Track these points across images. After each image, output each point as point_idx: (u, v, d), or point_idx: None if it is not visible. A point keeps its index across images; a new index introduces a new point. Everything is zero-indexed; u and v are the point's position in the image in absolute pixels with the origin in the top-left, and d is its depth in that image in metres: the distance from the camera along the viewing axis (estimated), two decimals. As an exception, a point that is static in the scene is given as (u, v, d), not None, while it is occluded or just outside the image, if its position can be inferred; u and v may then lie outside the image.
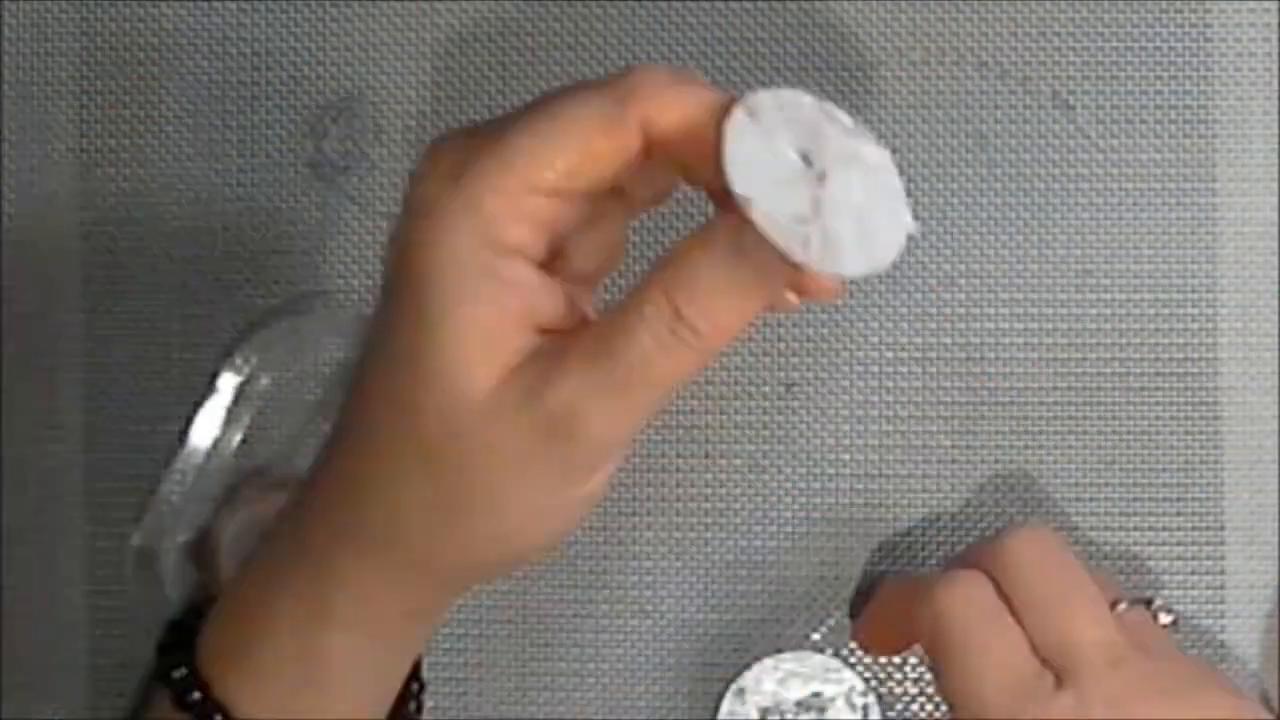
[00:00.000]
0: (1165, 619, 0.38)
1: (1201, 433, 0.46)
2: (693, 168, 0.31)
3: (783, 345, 0.46)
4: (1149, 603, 0.38)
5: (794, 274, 0.30)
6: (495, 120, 0.31)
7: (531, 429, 0.30)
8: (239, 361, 0.46)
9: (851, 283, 0.46)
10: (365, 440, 0.32)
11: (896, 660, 0.46)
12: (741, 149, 0.29)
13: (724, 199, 0.29)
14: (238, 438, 0.46)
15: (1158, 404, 0.46)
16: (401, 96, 0.47)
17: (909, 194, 0.30)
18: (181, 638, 0.35)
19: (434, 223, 0.30)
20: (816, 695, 0.45)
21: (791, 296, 0.31)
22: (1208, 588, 0.46)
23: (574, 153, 0.30)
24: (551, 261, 0.31)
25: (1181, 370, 0.46)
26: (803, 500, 0.46)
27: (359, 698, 0.34)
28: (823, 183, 0.29)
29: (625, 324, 0.29)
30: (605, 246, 0.33)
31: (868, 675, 0.46)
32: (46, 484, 0.47)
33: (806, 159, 0.29)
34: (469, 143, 0.30)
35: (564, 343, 0.30)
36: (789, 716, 0.45)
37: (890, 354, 0.46)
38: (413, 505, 0.31)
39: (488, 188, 0.29)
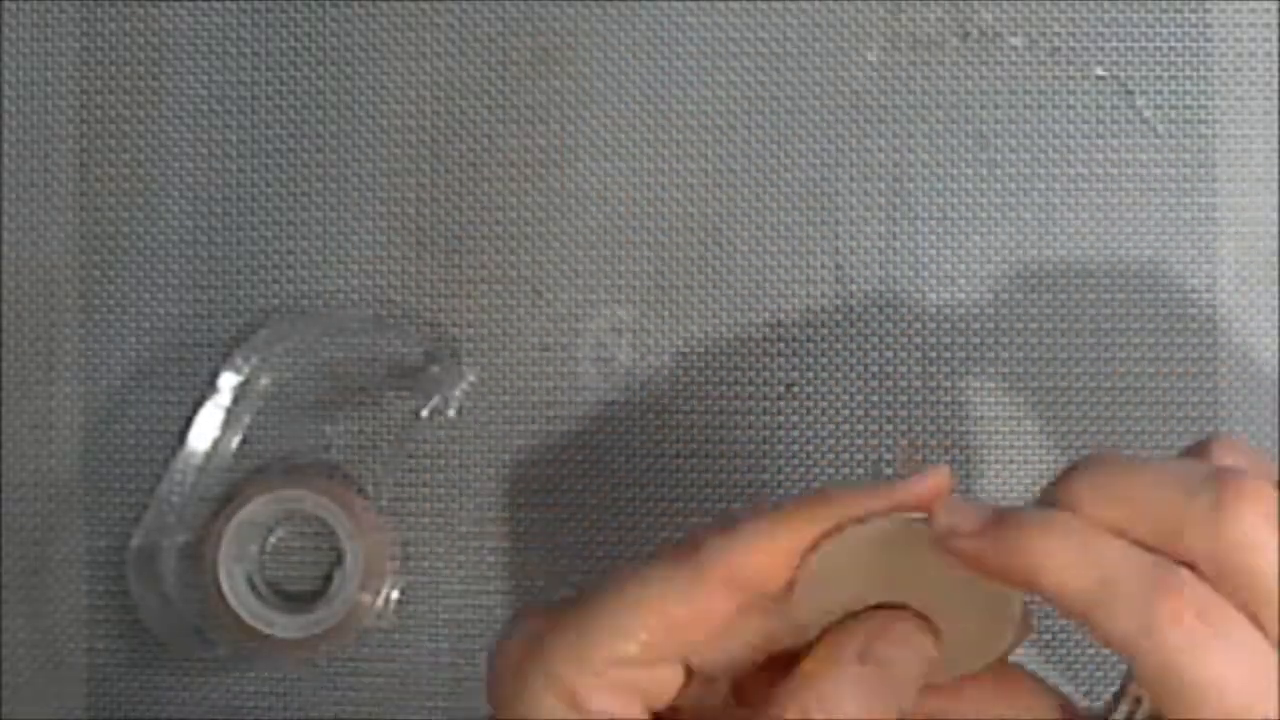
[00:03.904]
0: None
1: (1201, 432, 0.46)
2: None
3: (782, 345, 0.46)
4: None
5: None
6: (580, 593, 0.32)
7: None
8: (239, 361, 0.46)
9: (851, 283, 0.47)
10: None
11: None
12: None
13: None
14: (238, 438, 0.46)
15: (1157, 404, 0.46)
16: (401, 96, 0.47)
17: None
18: None
19: (518, 692, 0.31)
20: None
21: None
22: (1208, 588, 0.46)
23: (655, 626, 0.30)
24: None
25: (1181, 370, 0.46)
26: (803, 500, 0.46)
27: None
28: None
29: None
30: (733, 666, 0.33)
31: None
32: (46, 484, 0.47)
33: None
34: (551, 612, 0.31)
35: None
36: None
37: (890, 354, 0.46)
38: None
39: (568, 659, 0.30)
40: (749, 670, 0.33)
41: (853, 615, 0.31)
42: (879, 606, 0.32)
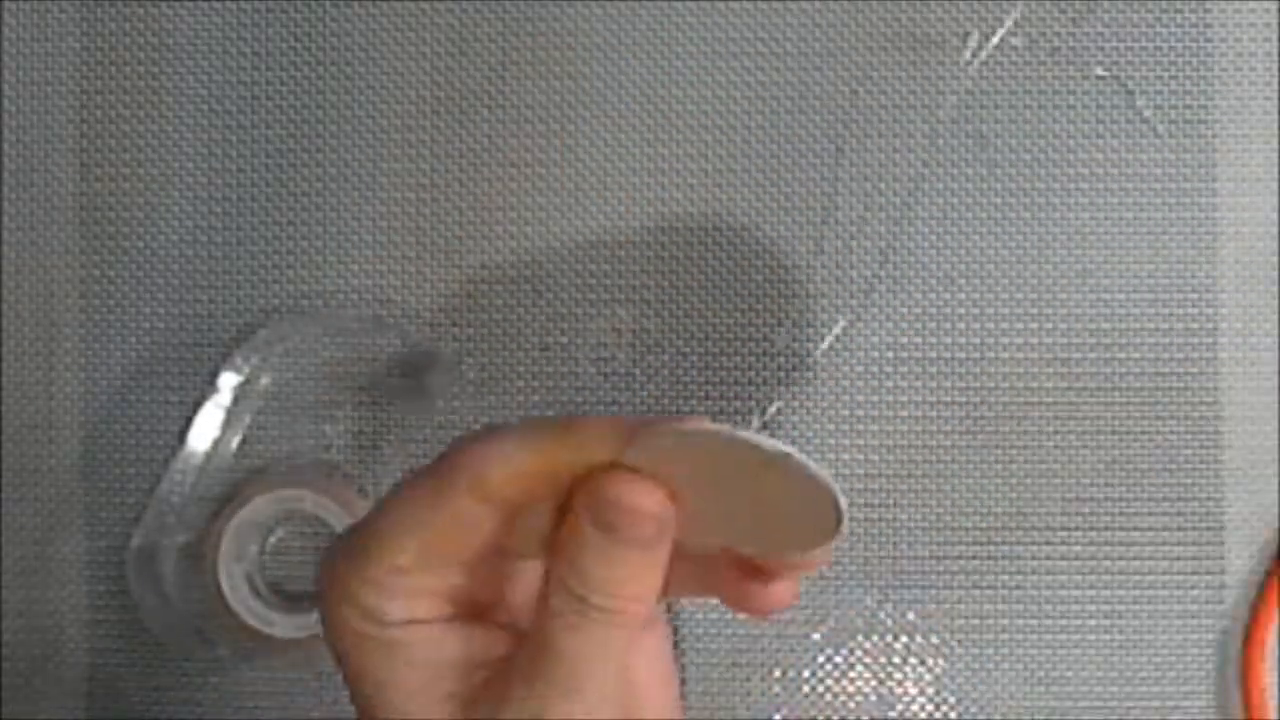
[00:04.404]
0: None
1: (1201, 433, 0.46)
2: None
3: (782, 345, 0.46)
4: None
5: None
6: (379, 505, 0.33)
7: None
8: (239, 361, 0.46)
9: (851, 283, 0.47)
10: None
11: (896, 660, 0.46)
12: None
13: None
14: (238, 438, 0.46)
15: (1157, 404, 0.46)
16: (401, 96, 0.47)
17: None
18: None
19: (329, 612, 0.32)
20: None
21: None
22: (1208, 588, 0.46)
23: (419, 534, 0.31)
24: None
25: (1181, 370, 0.46)
26: (803, 500, 0.46)
27: None
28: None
29: (545, 631, 0.31)
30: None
31: (868, 674, 0.46)
32: (46, 484, 0.47)
33: None
34: (343, 537, 0.32)
35: (507, 668, 0.31)
36: None
37: (890, 354, 0.46)
38: None
39: (354, 577, 0.31)
40: None
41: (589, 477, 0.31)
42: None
